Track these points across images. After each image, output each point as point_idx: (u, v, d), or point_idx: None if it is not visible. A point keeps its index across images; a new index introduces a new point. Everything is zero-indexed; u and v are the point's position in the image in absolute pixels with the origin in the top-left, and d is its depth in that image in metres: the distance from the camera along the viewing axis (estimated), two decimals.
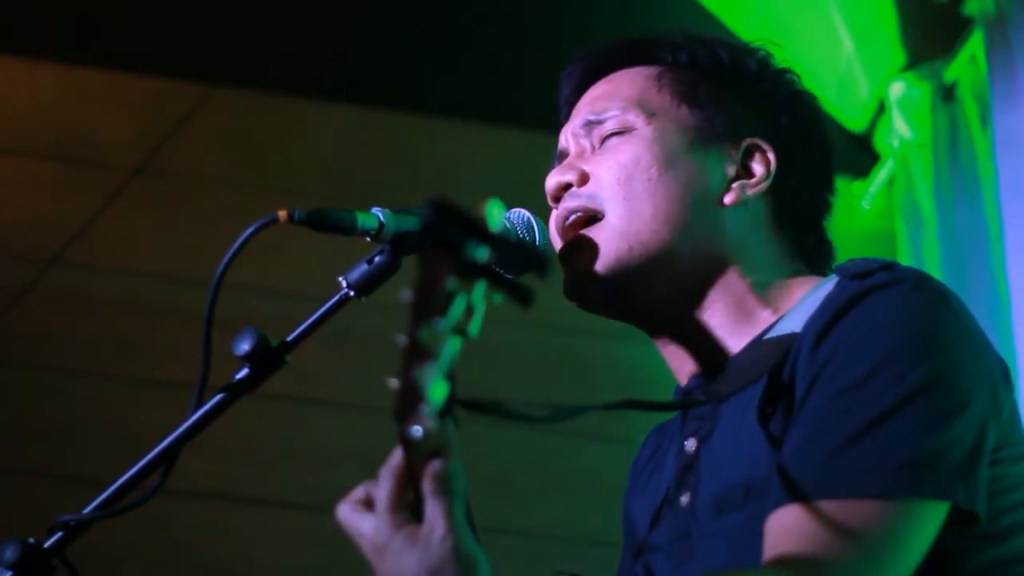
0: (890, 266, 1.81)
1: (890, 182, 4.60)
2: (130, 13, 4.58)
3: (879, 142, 4.63)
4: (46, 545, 1.82)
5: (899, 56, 4.46)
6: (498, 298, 1.42)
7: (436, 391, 1.40)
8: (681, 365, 1.98)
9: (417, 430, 1.41)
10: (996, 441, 1.75)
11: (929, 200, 4.34)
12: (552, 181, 1.99)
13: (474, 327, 1.42)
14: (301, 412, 4.28)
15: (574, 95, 2.08)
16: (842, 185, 4.69)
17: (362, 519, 1.52)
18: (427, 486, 1.48)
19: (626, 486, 2.11)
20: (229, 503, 4.22)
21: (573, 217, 1.95)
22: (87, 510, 1.84)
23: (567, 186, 1.97)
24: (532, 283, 1.44)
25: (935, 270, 4.23)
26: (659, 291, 1.94)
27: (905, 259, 4.35)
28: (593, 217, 1.94)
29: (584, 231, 1.94)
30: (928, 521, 1.68)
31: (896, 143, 4.49)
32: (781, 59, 2.06)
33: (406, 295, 1.41)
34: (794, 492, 1.67)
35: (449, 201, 1.40)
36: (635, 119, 1.97)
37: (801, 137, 2.02)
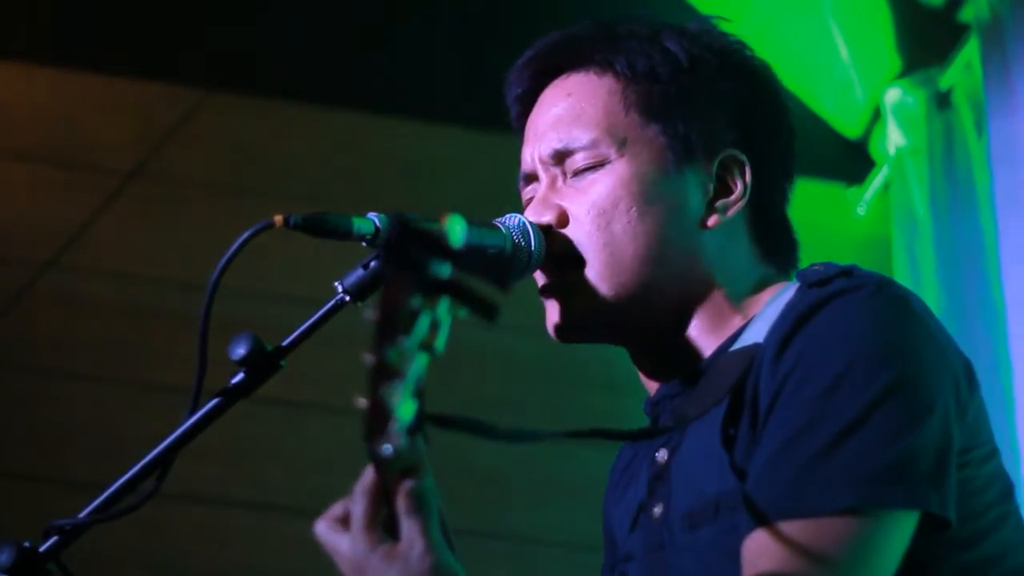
0: (849, 272, 1.80)
1: (885, 189, 4.61)
2: (127, 17, 4.58)
3: (874, 149, 4.64)
4: (41, 549, 1.81)
5: (895, 63, 4.46)
6: (463, 313, 1.42)
7: (404, 408, 1.41)
8: (654, 375, 1.98)
9: (387, 448, 1.41)
10: (962, 443, 1.74)
11: (924, 207, 4.34)
12: (531, 220, 1.96)
13: (440, 342, 1.43)
14: (297, 416, 4.28)
15: (526, 95, 2.05)
16: (837, 191, 4.70)
17: (339, 538, 1.52)
18: (401, 504, 1.48)
19: (605, 494, 2.11)
20: (224, 507, 4.22)
21: (555, 260, 1.94)
22: (82, 514, 1.84)
23: (547, 227, 1.95)
24: (500, 297, 1.43)
25: (930, 277, 4.23)
26: (640, 322, 1.94)
27: (900, 266, 4.35)
28: (574, 261, 1.93)
29: (567, 278, 1.93)
30: (901, 530, 1.66)
31: (891, 150, 4.49)
32: (730, 29, 2.02)
33: (370, 314, 1.41)
34: (766, 513, 1.66)
35: (409, 219, 1.41)
36: (607, 150, 1.93)
37: (768, 128, 2.00)
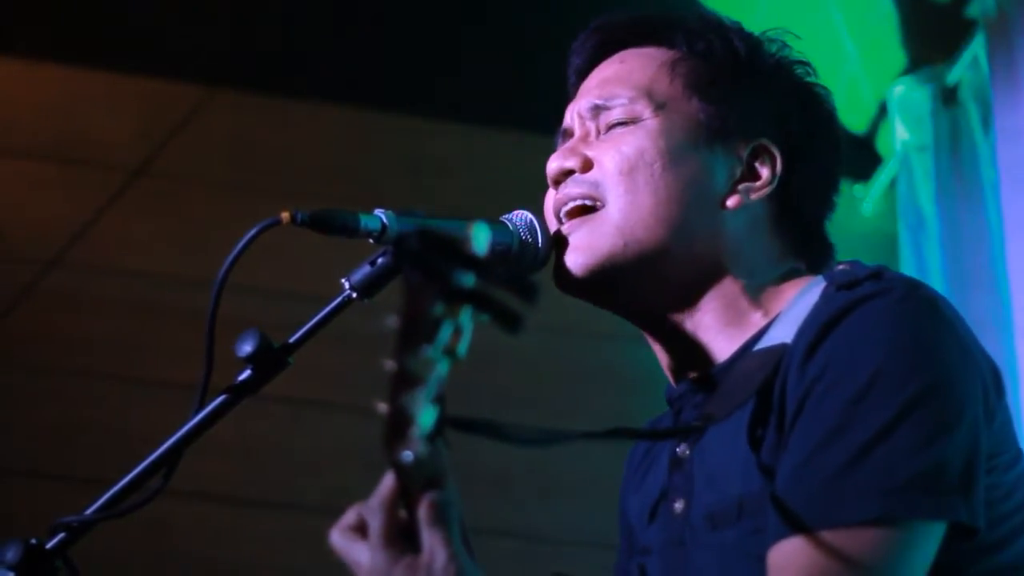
0: (878, 274, 1.78)
1: (891, 185, 4.60)
2: (130, 14, 4.58)
3: (881, 145, 4.63)
4: (48, 546, 1.82)
5: (901, 59, 4.46)
6: (485, 320, 1.41)
7: (425, 415, 1.40)
8: (670, 363, 1.96)
9: (408, 455, 1.41)
10: (989, 449, 1.73)
11: (930, 203, 4.33)
12: (554, 165, 1.96)
13: (462, 348, 1.42)
14: (304, 413, 4.28)
15: (585, 66, 2.05)
16: (843, 187, 4.69)
17: (357, 548, 1.50)
18: (423, 514, 1.47)
19: (622, 482, 2.10)
20: (231, 505, 4.22)
21: (572, 204, 1.94)
22: (89, 511, 1.84)
23: (569, 172, 1.95)
24: (525, 307, 1.42)
25: (936, 273, 4.22)
26: (648, 290, 1.92)
27: (906, 262, 4.34)
28: (592, 206, 1.93)
29: (581, 219, 1.92)
30: (930, 540, 1.66)
31: (898, 146, 4.48)
32: (797, 51, 2.03)
33: (392, 321, 1.40)
34: (795, 522, 1.65)
35: (432, 228, 1.41)
36: (642, 109, 1.94)
37: (810, 139, 1.99)
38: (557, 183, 1.97)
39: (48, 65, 4.61)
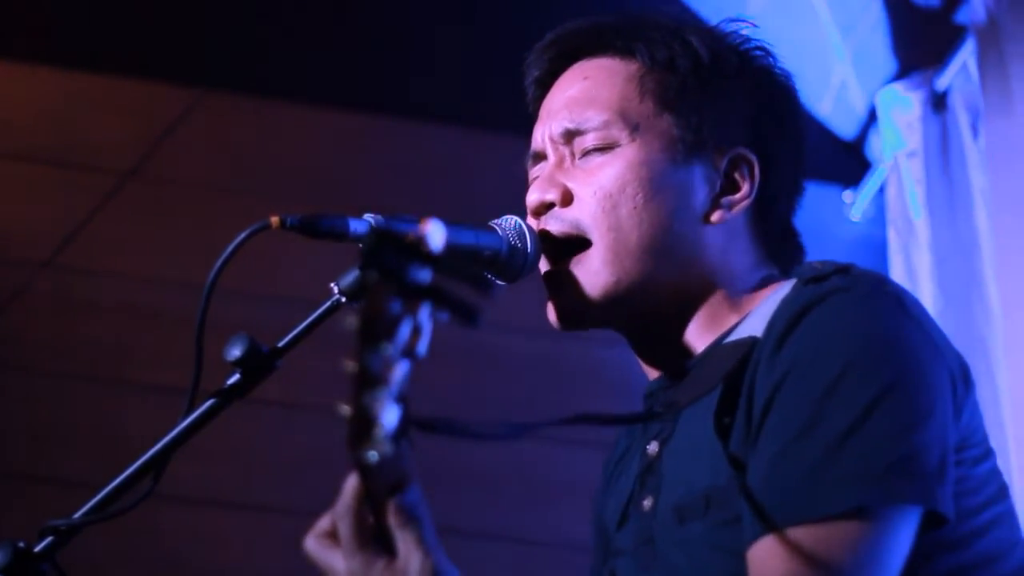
0: (846, 270, 1.80)
1: (881, 190, 4.61)
2: (124, 17, 4.58)
3: (870, 150, 4.63)
4: (36, 549, 1.82)
5: (891, 64, 4.47)
6: (445, 317, 1.42)
7: (388, 415, 1.40)
8: (651, 364, 1.98)
9: (372, 455, 1.41)
10: (957, 443, 1.74)
11: (920, 208, 4.34)
12: (534, 197, 1.96)
13: (422, 347, 1.43)
14: (292, 417, 4.28)
15: (545, 77, 2.05)
16: (833, 193, 4.70)
17: (331, 555, 1.52)
18: (394, 518, 1.48)
19: (597, 486, 2.11)
20: (219, 508, 4.22)
21: (557, 243, 1.94)
22: (77, 515, 1.84)
23: (550, 204, 1.96)
24: (482, 300, 1.42)
25: (926, 279, 4.23)
26: (641, 312, 1.94)
27: (895, 267, 4.35)
28: (577, 243, 1.94)
29: (570, 263, 1.93)
30: (908, 528, 1.66)
31: (888, 152, 4.49)
32: (753, 34, 2.01)
33: (351, 321, 1.41)
34: (773, 518, 1.65)
35: (389, 227, 1.42)
36: (618, 134, 1.93)
37: (781, 134, 2.00)
38: (538, 215, 1.97)
39: (42, 68, 4.61)
